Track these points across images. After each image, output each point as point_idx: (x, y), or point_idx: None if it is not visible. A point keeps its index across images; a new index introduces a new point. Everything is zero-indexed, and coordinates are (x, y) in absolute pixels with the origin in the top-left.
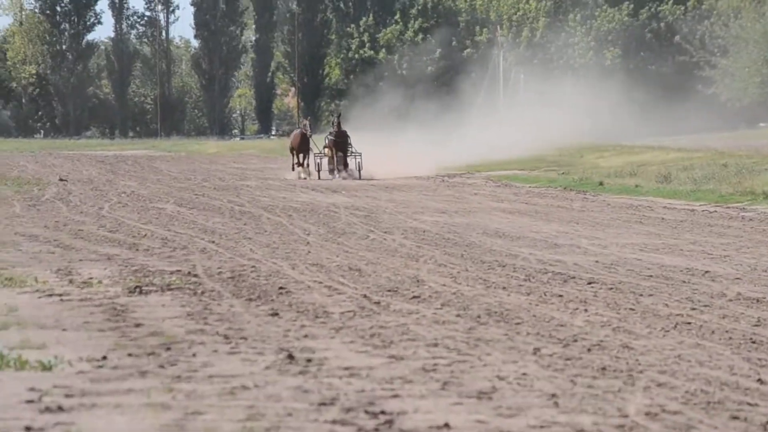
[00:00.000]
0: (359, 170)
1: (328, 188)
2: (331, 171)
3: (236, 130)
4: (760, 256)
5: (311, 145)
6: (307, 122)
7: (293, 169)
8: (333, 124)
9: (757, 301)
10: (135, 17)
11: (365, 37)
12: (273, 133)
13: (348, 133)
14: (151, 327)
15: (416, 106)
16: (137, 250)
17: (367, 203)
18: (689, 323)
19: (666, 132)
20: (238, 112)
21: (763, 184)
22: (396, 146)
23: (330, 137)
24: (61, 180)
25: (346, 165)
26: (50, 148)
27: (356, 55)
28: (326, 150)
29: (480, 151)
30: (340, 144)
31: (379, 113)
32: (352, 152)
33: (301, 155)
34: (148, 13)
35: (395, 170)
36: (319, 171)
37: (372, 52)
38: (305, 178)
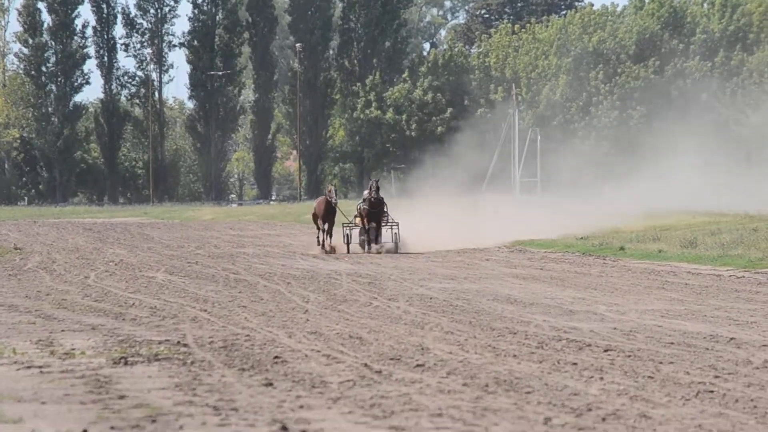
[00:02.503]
0: (396, 242)
1: (330, 255)
2: (362, 243)
3: (233, 196)
4: None
5: (338, 213)
6: (333, 188)
7: (319, 241)
8: (371, 188)
9: None
10: (126, 77)
11: (371, 97)
12: (273, 198)
13: (385, 201)
14: (136, 399)
15: (429, 170)
16: (124, 319)
17: (371, 270)
18: (712, 391)
19: (693, 193)
20: (235, 176)
21: None
22: (429, 215)
23: (363, 206)
24: (15, 248)
25: (378, 237)
26: (35, 216)
27: (362, 116)
28: (357, 219)
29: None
30: (376, 214)
31: (398, 179)
32: (388, 222)
33: (326, 225)
34: (139, 73)
35: (437, 242)
36: (348, 243)
37: (379, 112)
38: (329, 252)
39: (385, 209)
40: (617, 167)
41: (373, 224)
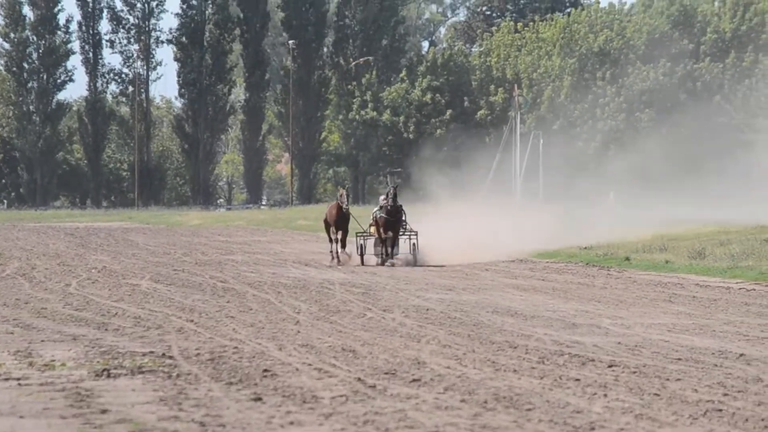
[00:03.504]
0: (415, 254)
1: (322, 263)
2: (378, 255)
3: (222, 200)
4: None
5: (352, 220)
6: (344, 192)
7: (332, 254)
8: (388, 195)
9: None
10: (111, 74)
11: (368, 97)
12: (263, 203)
13: (403, 209)
14: (119, 413)
15: (426, 175)
16: (106, 329)
17: (366, 279)
18: (720, 410)
19: (702, 202)
20: (224, 179)
21: None
22: (446, 222)
23: (380, 213)
24: None
25: (395, 248)
26: (14, 220)
27: (357, 117)
28: (372, 229)
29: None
30: (393, 222)
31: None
32: (406, 231)
33: (339, 233)
34: (126, 70)
35: (459, 255)
36: (362, 255)
37: (375, 113)
38: (340, 264)
39: (404, 218)
40: (623, 172)
41: (390, 234)
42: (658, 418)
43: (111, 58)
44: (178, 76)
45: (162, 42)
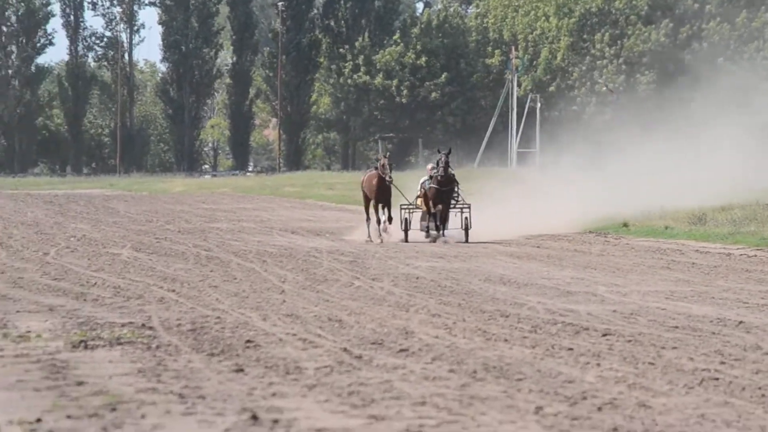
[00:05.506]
0: (467, 230)
1: (311, 231)
2: (425, 230)
3: (207, 166)
4: None
5: (394, 192)
6: (386, 161)
7: (368, 223)
8: (438, 162)
9: None
10: (93, 38)
11: (360, 60)
12: (250, 169)
13: (456, 179)
14: (96, 385)
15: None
16: (85, 300)
17: (354, 247)
18: (717, 379)
19: (702, 168)
20: (210, 145)
21: None
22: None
23: (430, 183)
24: None
25: (446, 222)
26: None
27: (349, 81)
28: (420, 201)
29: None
30: (445, 194)
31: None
32: (457, 205)
33: (379, 207)
34: (108, 33)
35: (519, 227)
36: (406, 231)
37: (367, 77)
38: (380, 241)
39: (456, 189)
40: (623, 137)
41: (440, 207)
42: (652, 388)
43: (93, 21)
44: (163, 40)
45: (145, 4)
